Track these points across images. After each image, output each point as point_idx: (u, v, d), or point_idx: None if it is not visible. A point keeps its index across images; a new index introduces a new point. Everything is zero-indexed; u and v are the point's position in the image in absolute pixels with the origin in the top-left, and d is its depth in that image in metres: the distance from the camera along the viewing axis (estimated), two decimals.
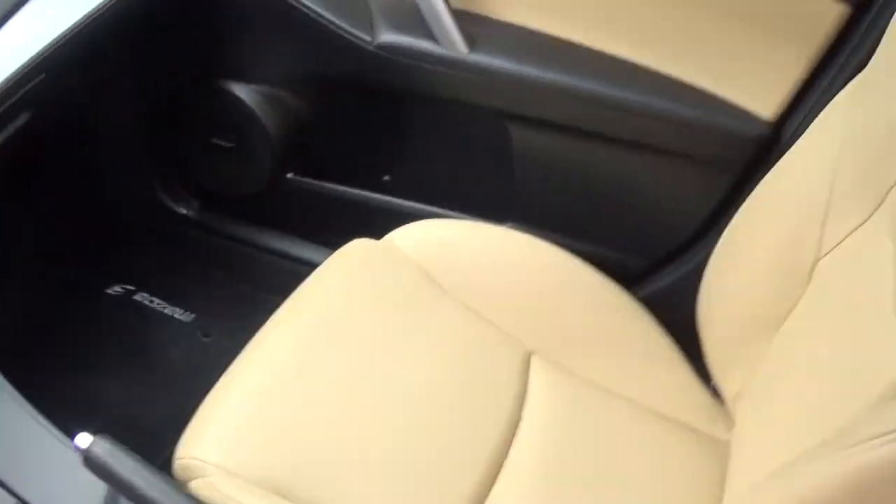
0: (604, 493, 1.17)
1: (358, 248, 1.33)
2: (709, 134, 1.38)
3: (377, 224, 1.38)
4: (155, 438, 1.13)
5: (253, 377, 1.15)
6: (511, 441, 1.19)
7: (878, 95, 1.05)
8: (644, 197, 1.49)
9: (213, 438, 1.07)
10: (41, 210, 1.72)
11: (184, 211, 1.82)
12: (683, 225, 1.48)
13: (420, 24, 1.45)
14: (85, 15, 1.29)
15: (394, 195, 1.65)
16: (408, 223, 1.37)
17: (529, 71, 1.42)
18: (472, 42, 1.44)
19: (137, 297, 1.79)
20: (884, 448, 0.66)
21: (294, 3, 1.48)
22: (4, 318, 1.62)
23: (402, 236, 1.35)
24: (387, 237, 1.35)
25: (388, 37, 1.47)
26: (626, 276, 1.43)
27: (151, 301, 1.78)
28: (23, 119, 1.30)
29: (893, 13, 1.07)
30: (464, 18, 1.45)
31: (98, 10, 1.30)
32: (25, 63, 1.20)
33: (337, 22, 1.49)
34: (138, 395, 1.63)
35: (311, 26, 1.50)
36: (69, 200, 1.75)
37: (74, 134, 1.66)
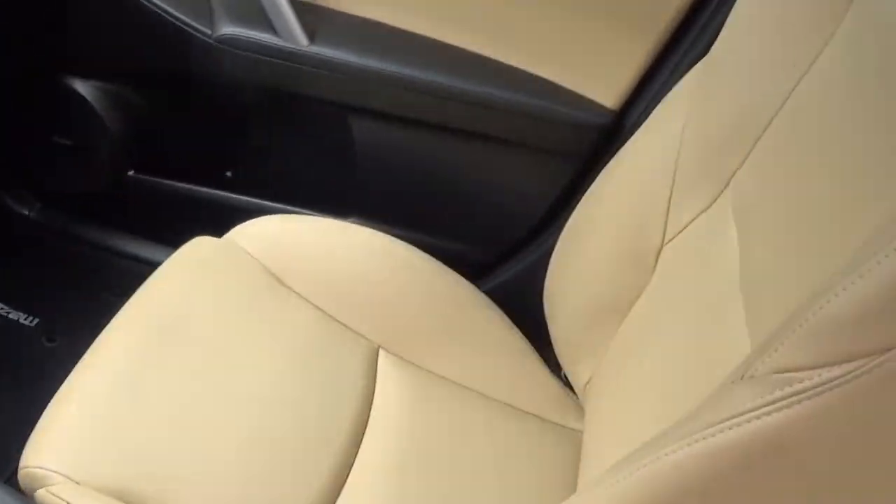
0: (455, 487, 1.13)
1: (198, 247, 1.25)
2: (552, 124, 1.35)
3: (221, 222, 1.31)
4: (1, 449, 1.08)
5: (93, 383, 1.08)
6: (360, 440, 1.14)
7: (720, 82, 1.01)
8: (488, 188, 1.45)
9: (55, 446, 1.01)
10: None
11: (25, 212, 1.72)
12: (528, 215, 1.45)
13: (261, 16, 1.38)
14: None
15: (236, 192, 1.58)
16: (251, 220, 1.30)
17: (370, 63, 1.36)
18: (312, 34, 1.38)
19: None
20: (732, 431, 0.61)
21: None
22: None
23: (243, 233, 1.27)
24: (227, 235, 1.28)
25: (227, 29, 1.39)
26: (472, 269, 1.40)
27: None
28: None
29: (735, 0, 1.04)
30: (305, 10, 1.38)
31: None
32: None
33: (176, 14, 1.41)
34: None
35: (149, 19, 1.41)
36: None
37: None
